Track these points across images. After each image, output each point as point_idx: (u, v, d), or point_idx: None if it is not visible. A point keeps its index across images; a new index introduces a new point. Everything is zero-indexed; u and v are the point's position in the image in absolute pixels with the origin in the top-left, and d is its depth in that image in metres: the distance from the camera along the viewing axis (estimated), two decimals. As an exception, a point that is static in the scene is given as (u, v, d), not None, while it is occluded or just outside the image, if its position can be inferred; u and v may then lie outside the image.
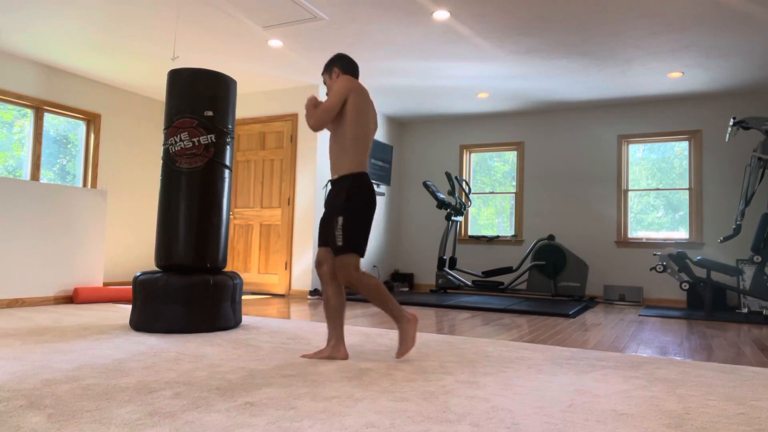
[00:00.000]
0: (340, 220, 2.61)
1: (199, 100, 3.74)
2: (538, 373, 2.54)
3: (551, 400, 2.07)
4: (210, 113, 3.75)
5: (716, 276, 6.25)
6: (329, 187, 2.76)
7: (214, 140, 3.75)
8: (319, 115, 2.66)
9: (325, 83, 2.91)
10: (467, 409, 1.92)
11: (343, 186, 2.64)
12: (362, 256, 2.67)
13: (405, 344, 2.72)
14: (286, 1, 4.24)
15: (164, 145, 3.76)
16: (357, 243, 2.61)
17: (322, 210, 6.52)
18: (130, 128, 6.86)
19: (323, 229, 2.78)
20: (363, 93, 2.73)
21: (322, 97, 6.51)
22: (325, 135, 6.54)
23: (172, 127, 3.72)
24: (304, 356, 2.78)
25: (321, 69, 5.88)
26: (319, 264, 2.79)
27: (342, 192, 2.64)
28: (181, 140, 3.69)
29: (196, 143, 3.70)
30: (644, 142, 6.90)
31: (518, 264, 6.76)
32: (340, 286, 2.77)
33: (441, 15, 4.42)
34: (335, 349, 2.75)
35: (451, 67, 5.69)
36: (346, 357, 2.75)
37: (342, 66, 2.85)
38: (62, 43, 5.28)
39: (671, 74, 5.70)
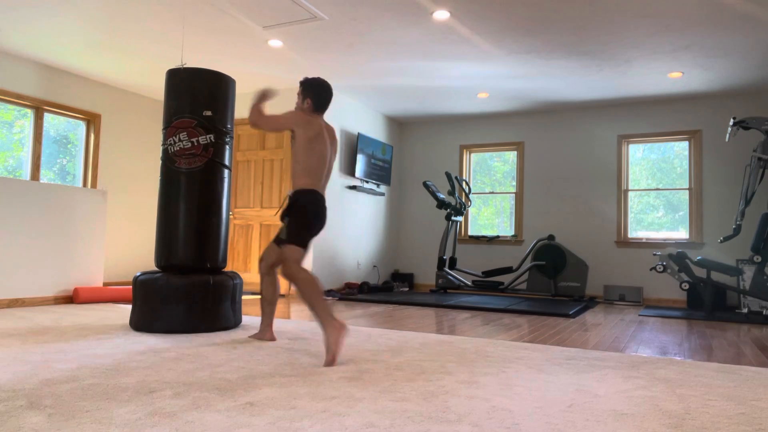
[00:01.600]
0: (287, 220, 3.04)
1: (197, 100, 3.73)
2: (538, 373, 2.54)
3: (551, 400, 2.07)
4: (209, 113, 3.74)
5: (716, 276, 6.25)
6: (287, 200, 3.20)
7: (213, 140, 3.75)
8: (259, 122, 3.08)
9: (298, 93, 3.21)
10: (467, 409, 1.92)
11: (294, 198, 3.04)
12: (304, 249, 2.98)
13: (328, 352, 2.64)
14: (286, 1, 4.24)
15: (163, 145, 3.76)
16: (298, 237, 2.97)
17: (322, 210, 6.52)
18: (130, 128, 6.86)
19: (279, 231, 3.25)
20: (318, 129, 3.07)
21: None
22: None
23: (170, 127, 3.71)
24: (250, 337, 3.37)
25: (321, 69, 5.87)
26: (260, 259, 3.31)
27: (293, 202, 3.05)
28: (180, 140, 3.68)
29: (195, 143, 3.70)
30: (644, 142, 6.90)
31: (518, 264, 6.76)
32: (274, 280, 3.31)
33: (441, 15, 4.42)
34: (262, 332, 3.32)
35: (451, 67, 5.69)
36: (272, 339, 3.31)
37: (314, 101, 3.15)
38: (62, 43, 5.28)
39: (671, 74, 5.70)
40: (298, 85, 3.20)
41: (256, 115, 3.09)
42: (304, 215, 3.01)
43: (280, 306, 5.25)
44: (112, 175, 6.63)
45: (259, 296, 6.30)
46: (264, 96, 3.16)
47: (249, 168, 6.80)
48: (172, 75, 3.79)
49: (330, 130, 3.22)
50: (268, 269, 3.27)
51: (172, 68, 3.84)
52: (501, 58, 5.37)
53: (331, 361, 2.63)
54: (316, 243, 6.39)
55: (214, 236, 3.77)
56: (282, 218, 3.08)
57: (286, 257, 2.90)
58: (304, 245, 2.98)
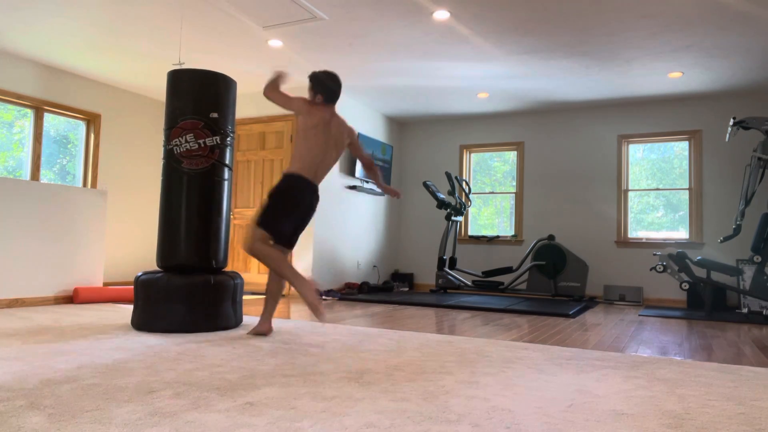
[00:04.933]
0: (264, 201, 3.24)
1: (204, 102, 3.75)
2: (538, 373, 2.54)
3: (551, 400, 2.07)
4: (215, 115, 3.76)
5: (716, 276, 6.24)
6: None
7: (219, 142, 3.77)
8: (272, 95, 3.33)
9: (309, 90, 3.45)
10: (467, 409, 1.92)
11: (279, 180, 3.29)
12: (270, 234, 3.20)
13: (312, 307, 3.01)
14: (286, 1, 4.24)
15: (167, 145, 3.74)
16: (266, 221, 3.19)
17: (322, 210, 6.52)
18: (130, 128, 6.86)
19: None
20: (319, 119, 3.30)
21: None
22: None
23: (176, 128, 3.72)
24: (248, 333, 3.47)
25: (321, 69, 5.87)
26: None
27: (277, 184, 3.29)
28: (186, 141, 3.69)
29: (202, 145, 3.71)
30: (644, 142, 6.90)
31: (518, 264, 6.76)
32: (280, 277, 3.40)
33: (441, 15, 4.42)
34: (260, 325, 3.44)
35: (451, 67, 5.69)
36: (269, 331, 3.45)
37: (326, 95, 3.38)
38: (62, 43, 5.28)
39: (671, 74, 5.70)
40: (308, 79, 3.45)
41: (271, 89, 3.33)
42: (279, 199, 3.21)
43: (280, 306, 5.25)
44: (112, 175, 6.63)
45: (260, 296, 6.30)
46: (280, 77, 3.39)
47: (249, 168, 6.80)
48: (176, 76, 3.79)
49: (341, 125, 3.42)
50: None
51: (175, 69, 3.84)
52: (501, 58, 5.37)
53: (320, 312, 2.98)
54: (317, 243, 6.39)
55: (217, 236, 3.77)
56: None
57: (247, 235, 3.15)
58: (267, 227, 3.18)
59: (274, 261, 3.11)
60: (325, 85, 3.37)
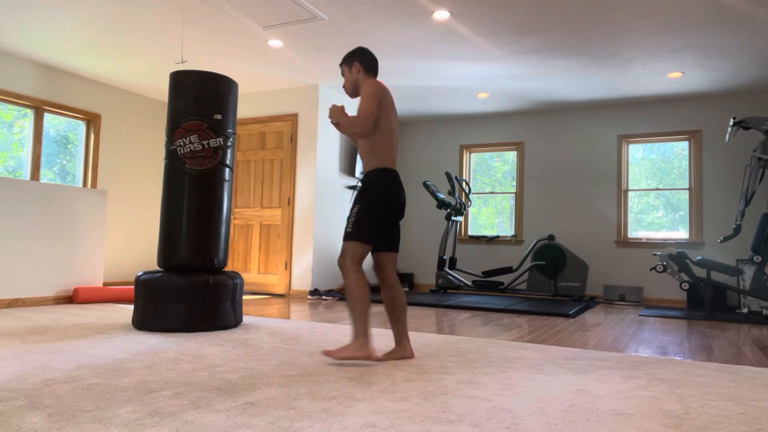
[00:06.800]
0: (356, 209, 2.66)
1: (207, 103, 3.77)
2: (538, 373, 2.54)
3: (551, 400, 2.07)
4: (219, 116, 3.79)
5: (716, 276, 6.24)
6: (359, 184, 2.77)
7: (222, 143, 3.79)
8: (363, 123, 2.63)
9: (342, 74, 2.91)
10: (467, 409, 1.92)
11: (366, 180, 2.72)
12: (369, 245, 2.64)
13: (339, 349, 2.55)
14: (286, 1, 4.24)
15: (171, 146, 3.75)
16: (364, 232, 2.61)
17: (322, 210, 6.51)
18: (130, 128, 6.86)
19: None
20: (389, 96, 2.78)
21: (328, 98, 6.50)
22: (325, 137, 6.53)
23: (180, 129, 3.73)
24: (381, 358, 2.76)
25: (321, 69, 5.88)
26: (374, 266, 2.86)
27: (364, 185, 2.71)
28: (190, 142, 3.71)
29: (206, 146, 3.73)
30: (644, 142, 6.90)
31: (518, 264, 6.76)
32: (386, 286, 2.81)
33: (441, 15, 4.42)
34: (403, 349, 2.80)
35: (451, 67, 5.69)
36: (411, 356, 2.80)
37: (364, 63, 2.84)
38: (62, 43, 5.28)
39: (671, 74, 5.70)
40: (341, 64, 2.91)
41: (359, 123, 2.64)
42: (373, 201, 2.65)
43: (280, 306, 5.25)
44: (112, 175, 6.63)
45: (259, 296, 6.30)
46: (339, 111, 2.78)
47: (249, 168, 6.80)
48: (179, 77, 3.81)
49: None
50: (380, 276, 2.85)
51: (177, 70, 3.86)
52: (501, 58, 5.37)
53: (330, 353, 2.53)
54: (317, 243, 6.39)
55: (217, 237, 3.79)
56: (353, 204, 2.72)
57: (343, 251, 2.63)
58: (366, 239, 2.62)
59: (356, 301, 2.60)
60: (361, 53, 2.85)
